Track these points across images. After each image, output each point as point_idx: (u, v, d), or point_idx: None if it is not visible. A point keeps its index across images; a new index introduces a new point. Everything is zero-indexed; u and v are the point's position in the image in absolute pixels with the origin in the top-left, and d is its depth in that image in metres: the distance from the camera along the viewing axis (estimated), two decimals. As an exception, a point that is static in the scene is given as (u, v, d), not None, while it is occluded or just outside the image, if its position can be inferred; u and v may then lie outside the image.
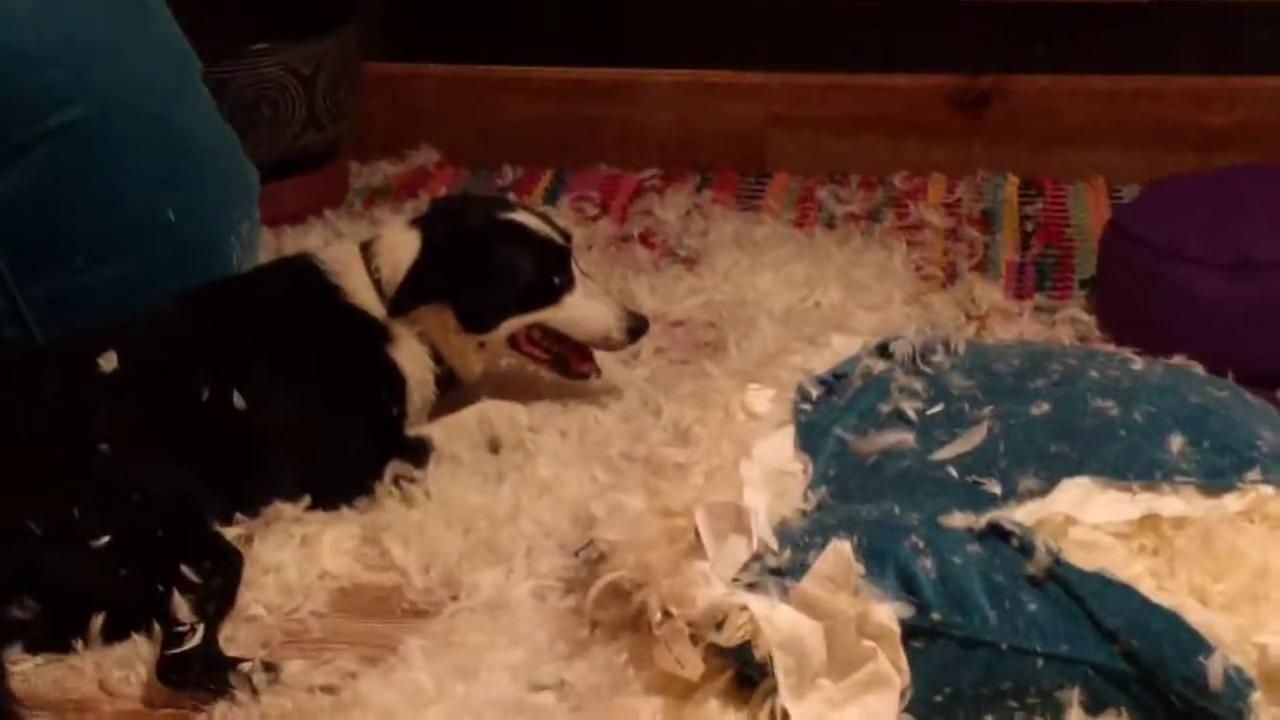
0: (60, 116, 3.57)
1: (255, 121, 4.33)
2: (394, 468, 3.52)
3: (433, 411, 3.72)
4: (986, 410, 3.24)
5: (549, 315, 3.67)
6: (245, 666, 3.03)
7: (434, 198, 4.21)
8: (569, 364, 3.72)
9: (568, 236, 3.79)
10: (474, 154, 4.73)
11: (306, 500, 3.45)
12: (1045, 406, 3.23)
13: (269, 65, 4.38)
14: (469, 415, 3.68)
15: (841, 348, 3.52)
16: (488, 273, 3.69)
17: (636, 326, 3.68)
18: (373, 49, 4.64)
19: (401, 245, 3.69)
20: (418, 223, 3.80)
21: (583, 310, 3.67)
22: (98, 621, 3.13)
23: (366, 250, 3.72)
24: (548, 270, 3.66)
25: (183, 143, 3.85)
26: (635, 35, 4.72)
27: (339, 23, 4.51)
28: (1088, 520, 2.99)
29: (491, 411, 3.68)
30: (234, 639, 3.15)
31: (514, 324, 3.68)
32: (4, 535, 3.15)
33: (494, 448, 3.64)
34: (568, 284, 3.67)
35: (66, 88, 3.59)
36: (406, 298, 3.63)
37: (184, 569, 3.13)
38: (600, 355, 3.86)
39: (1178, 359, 3.51)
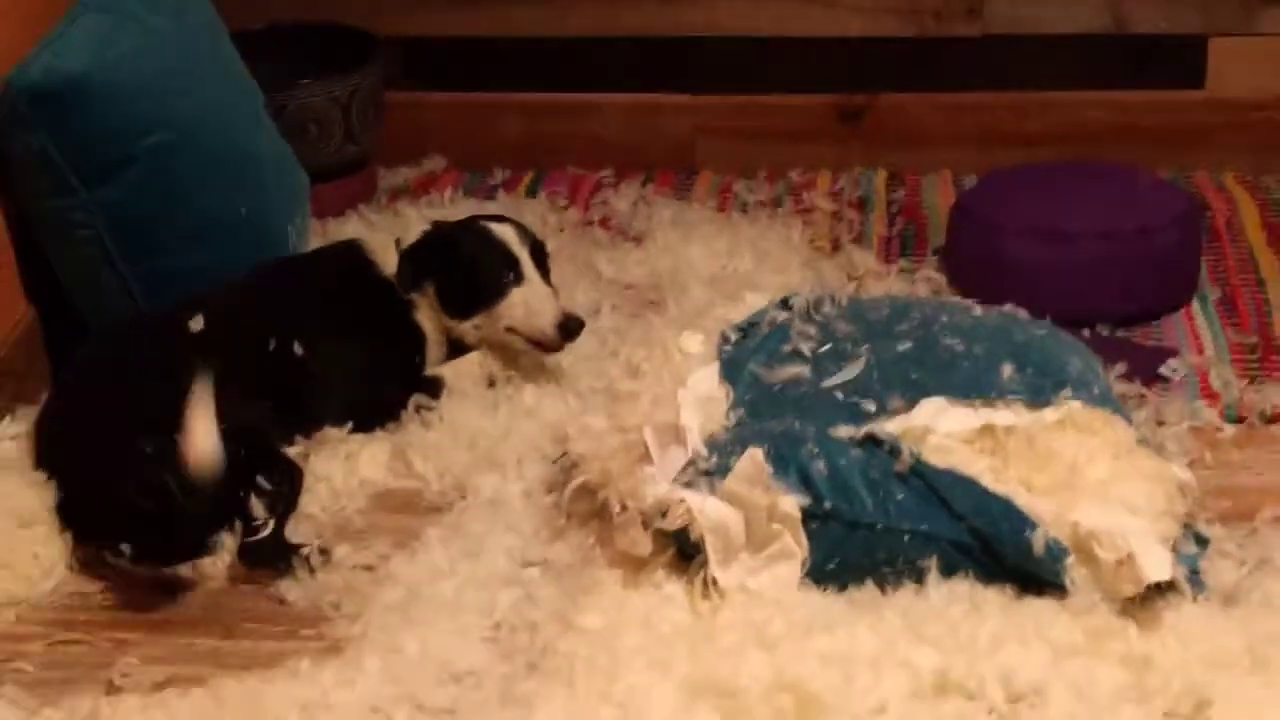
0: (153, 139, 3.70)
1: (304, 138, 4.38)
2: (415, 400, 3.71)
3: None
4: (863, 348, 3.49)
5: (501, 308, 3.77)
6: (304, 550, 3.31)
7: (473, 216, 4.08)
8: (534, 341, 3.79)
9: (540, 245, 3.87)
10: (471, 161, 4.81)
11: (349, 426, 3.65)
12: (908, 344, 3.49)
13: (314, 95, 4.44)
14: (472, 359, 3.83)
15: (754, 302, 3.71)
16: (455, 262, 3.79)
17: (571, 326, 3.75)
18: (393, 80, 4.66)
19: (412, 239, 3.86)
20: (431, 224, 3.95)
21: (528, 303, 3.75)
22: (191, 519, 3.26)
23: (399, 242, 3.87)
24: (502, 266, 3.75)
25: (249, 156, 4.01)
26: (594, 69, 4.77)
27: (367, 61, 4.54)
28: (941, 430, 3.26)
29: (488, 357, 3.83)
30: (296, 530, 3.39)
31: (478, 319, 3.79)
32: (126, 457, 3.31)
33: (490, 383, 3.80)
34: (518, 280, 3.75)
35: (153, 117, 3.71)
36: (403, 278, 3.80)
37: (258, 479, 3.37)
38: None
39: (1007, 307, 3.71)
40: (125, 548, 3.26)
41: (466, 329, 3.82)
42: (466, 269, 3.79)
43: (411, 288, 3.81)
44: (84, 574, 3.30)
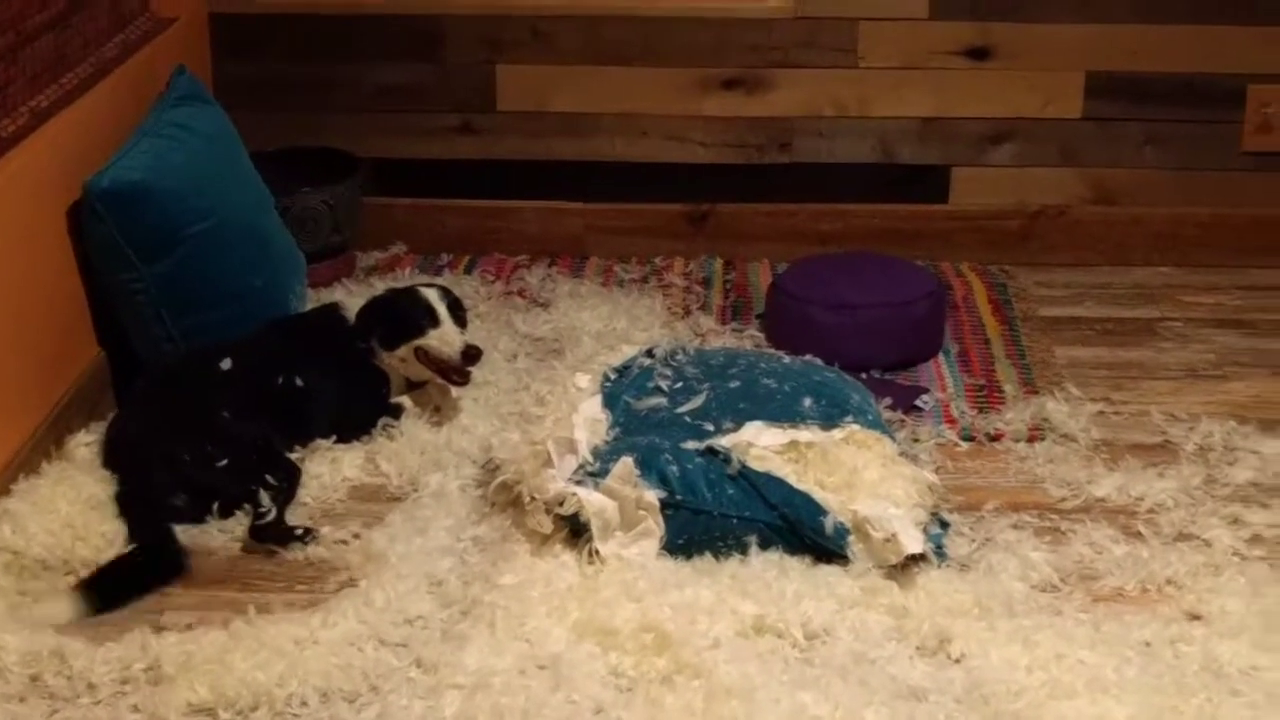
0: (193, 229, 3.68)
1: (303, 230, 4.30)
2: (383, 420, 3.65)
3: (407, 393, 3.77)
4: (705, 386, 3.48)
5: (421, 341, 3.64)
6: (298, 531, 3.27)
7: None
8: (448, 375, 3.67)
9: (457, 302, 3.75)
10: (425, 247, 4.70)
11: (334, 438, 3.60)
12: (737, 383, 3.48)
13: (311, 199, 4.38)
14: (425, 391, 3.76)
15: (627, 352, 3.68)
16: (390, 311, 3.71)
17: (473, 353, 3.62)
18: (368, 189, 4.59)
19: None
20: (386, 290, 3.92)
21: (441, 338, 3.64)
22: (217, 507, 3.34)
23: None
24: (421, 315, 3.64)
25: (264, 241, 3.97)
26: (516, 183, 4.69)
27: (348, 175, 4.48)
28: (760, 444, 3.26)
29: (434, 390, 3.75)
30: (293, 515, 3.34)
31: (404, 350, 3.67)
32: (170, 461, 3.33)
33: (436, 409, 3.73)
34: (435, 324, 3.64)
35: (197, 211, 3.69)
36: (359, 331, 3.71)
37: (266, 477, 3.33)
38: (496, 361, 3.95)
39: (807, 356, 3.75)
40: (179, 500, 3.30)
41: (395, 361, 3.70)
42: (398, 315, 3.69)
43: (362, 335, 3.72)
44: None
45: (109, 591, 3.05)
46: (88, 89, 3.78)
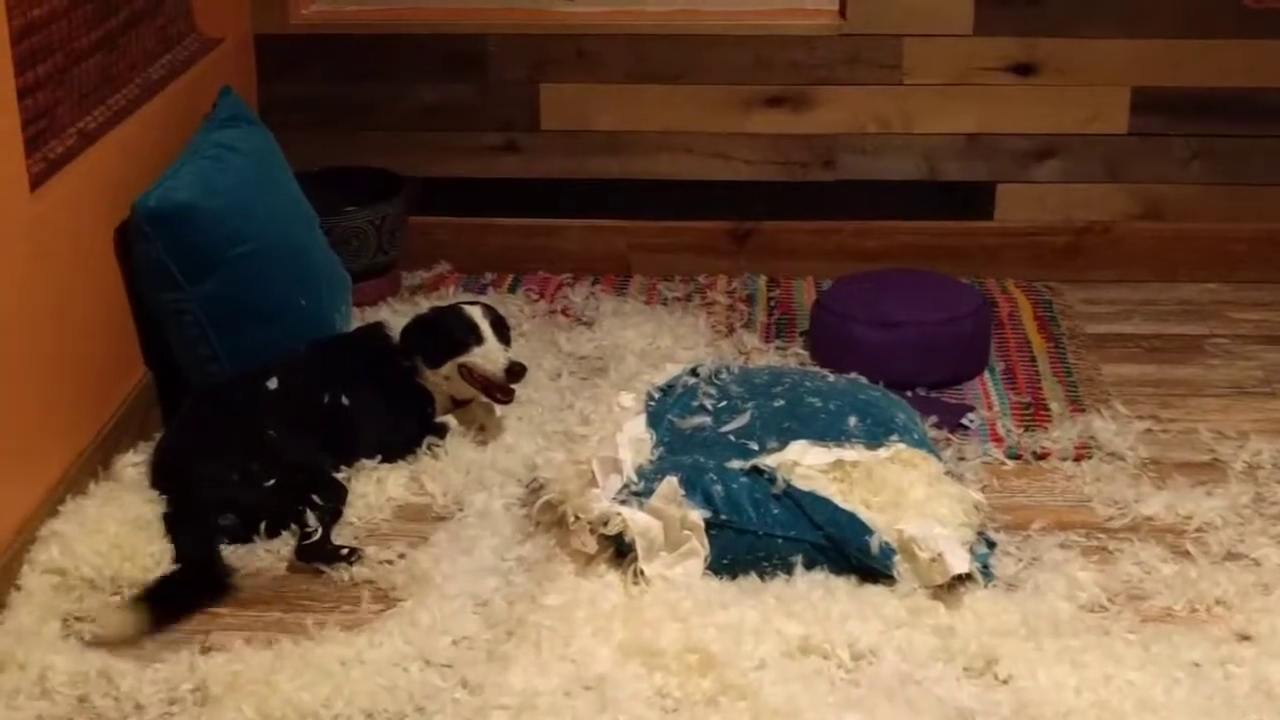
0: (239, 249, 3.69)
1: (348, 249, 4.33)
2: (428, 440, 3.65)
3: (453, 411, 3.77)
4: (749, 404, 3.46)
5: (466, 359, 3.65)
6: (344, 551, 3.27)
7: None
8: (492, 393, 3.68)
9: (501, 320, 3.75)
10: (469, 266, 4.71)
11: (379, 458, 3.60)
12: (782, 402, 3.46)
13: (357, 218, 4.39)
14: (467, 411, 3.76)
15: (671, 370, 3.67)
16: (434, 329, 3.71)
17: (516, 369, 3.63)
18: (413, 208, 4.58)
19: None
20: (430, 309, 3.93)
21: (485, 355, 3.64)
22: (263, 527, 3.34)
23: None
24: (465, 333, 3.65)
25: (307, 261, 3.97)
26: (560, 202, 4.69)
27: (394, 194, 4.48)
28: (805, 463, 3.24)
29: (478, 409, 3.76)
30: (339, 535, 3.34)
31: (448, 367, 3.68)
32: (217, 481, 3.34)
33: (481, 428, 3.73)
34: (479, 341, 3.64)
35: (242, 231, 3.70)
36: (403, 349, 3.73)
37: (313, 497, 3.33)
38: (540, 380, 3.95)
39: (852, 374, 3.72)
40: (227, 519, 3.31)
41: (439, 379, 3.71)
42: (442, 333, 3.70)
43: (406, 354, 3.73)
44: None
45: (162, 608, 3.06)
46: (135, 110, 3.81)
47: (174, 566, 3.19)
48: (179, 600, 3.10)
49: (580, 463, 3.29)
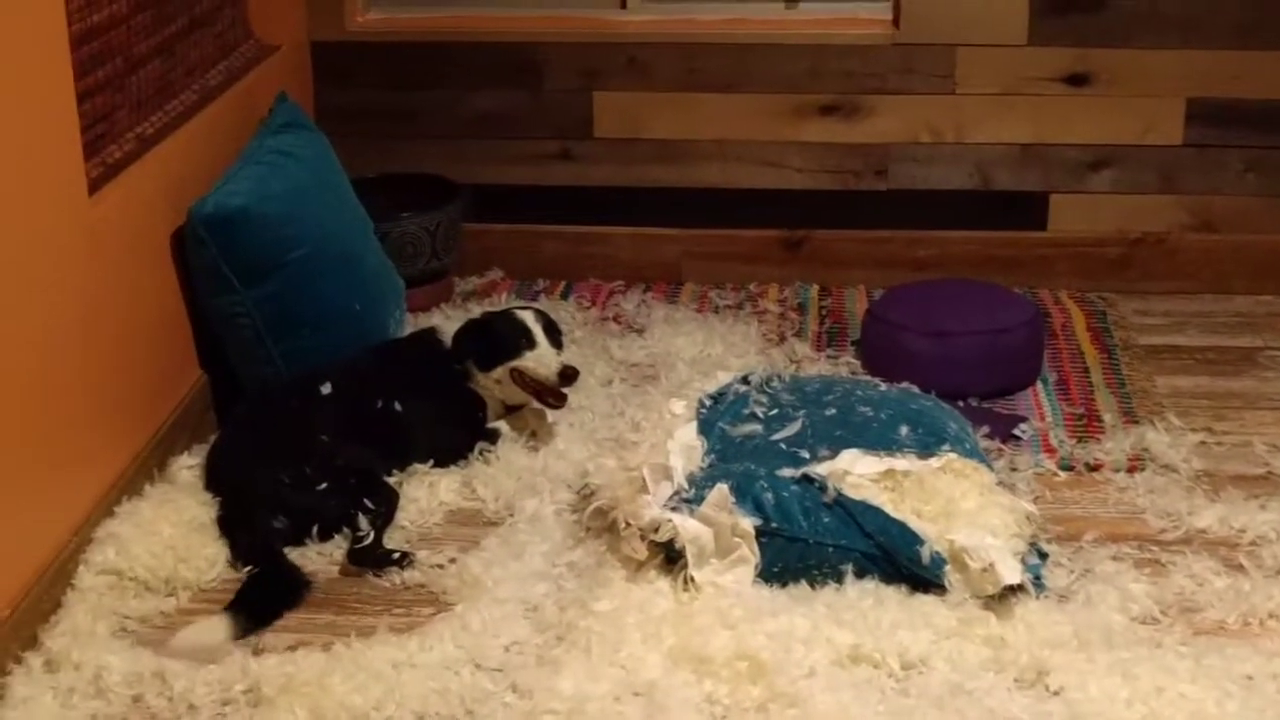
0: (294, 254, 3.71)
1: (403, 255, 4.33)
2: (479, 445, 3.67)
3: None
4: (801, 413, 3.47)
5: (518, 362, 3.66)
6: (396, 555, 3.29)
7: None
8: (544, 397, 3.69)
9: (553, 324, 3.76)
10: (521, 273, 4.75)
11: (431, 463, 3.61)
12: (833, 410, 3.48)
13: (411, 225, 4.41)
14: (519, 416, 3.78)
15: (723, 378, 3.68)
16: (487, 333, 3.72)
17: (569, 373, 3.63)
18: (468, 215, 4.61)
19: None
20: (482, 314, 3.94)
21: (538, 359, 3.65)
22: (316, 530, 3.35)
23: None
24: (518, 337, 3.67)
25: (362, 267, 4.00)
26: (611, 209, 4.71)
27: (448, 202, 4.50)
28: (856, 472, 3.26)
29: (529, 415, 3.78)
30: (390, 539, 3.36)
31: (500, 371, 3.69)
32: (271, 484, 3.36)
33: (533, 434, 3.75)
34: (531, 345, 3.65)
35: (298, 236, 3.72)
36: (456, 353, 3.73)
37: (365, 500, 3.35)
38: (592, 387, 3.97)
39: (904, 384, 3.70)
40: (280, 522, 3.31)
41: (491, 383, 3.72)
42: (494, 337, 3.71)
43: (458, 358, 3.74)
44: (235, 568, 3.28)
45: (257, 612, 3.09)
46: (192, 115, 3.85)
47: (247, 573, 3.21)
48: (266, 606, 3.12)
49: (631, 469, 3.30)
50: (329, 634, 3.04)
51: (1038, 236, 4.69)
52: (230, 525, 3.32)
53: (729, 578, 3.13)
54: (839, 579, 3.12)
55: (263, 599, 3.12)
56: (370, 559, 3.29)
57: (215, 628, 3.02)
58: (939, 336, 4.01)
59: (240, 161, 3.81)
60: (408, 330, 4.15)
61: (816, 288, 4.70)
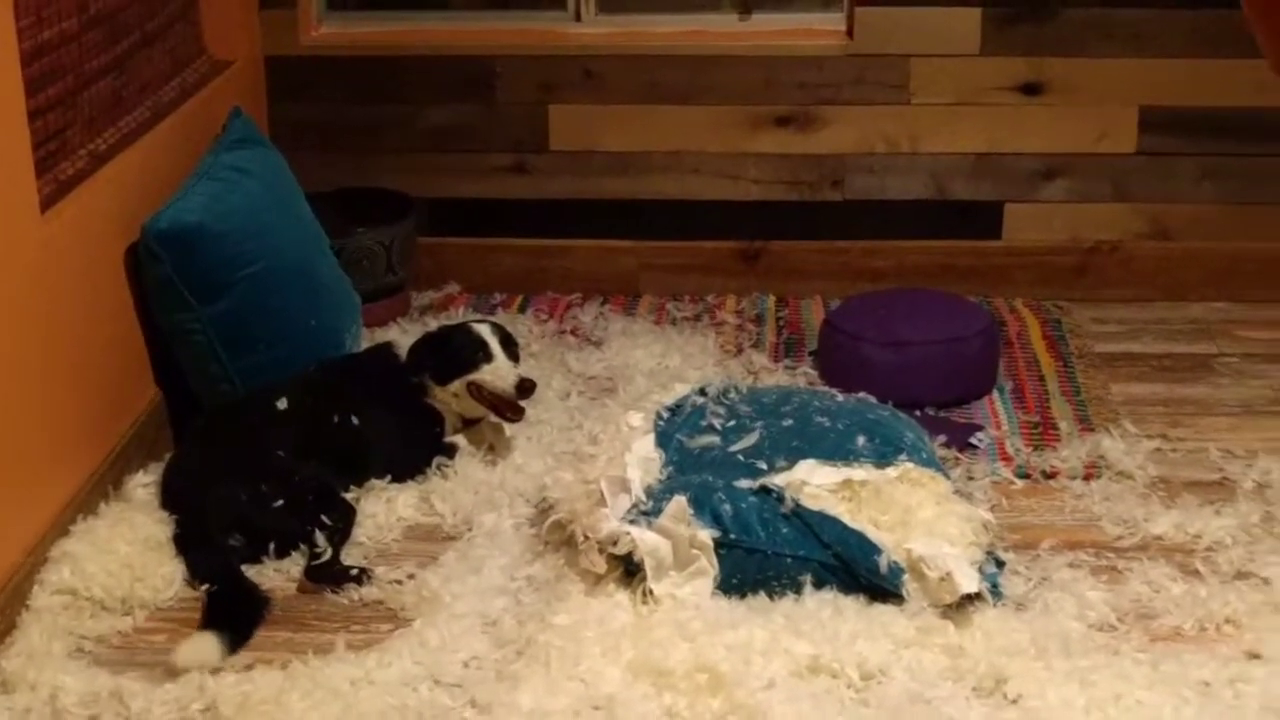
0: (249, 270, 3.70)
1: (358, 270, 4.33)
2: (437, 460, 3.66)
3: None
4: (758, 424, 3.49)
5: (475, 376, 3.66)
6: (354, 571, 3.28)
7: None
8: (502, 411, 3.68)
9: (510, 337, 3.77)
10: (478, 287, 4.73)
11: (389, 478, 3.60)
12: (790, 421, 3.49)
13: (366, 239, 4.41)
14: (476, 430, 3.77)
15: (680, 390, 3.68)
16: (444, 347, 3.72)
17: (525, 386, 3.64)
18: (423, 229, 4.62)
19: None
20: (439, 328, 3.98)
21: (495, 371, 3.65)
22: (273, 547, 3.34)
23: None
24: (474, 350, 3.66)
25: (317, 282, 3.99)
26: (568, 223, 4.71)
27: (403, 216, 4.52)
28: (813, 482, 3.26)
29: (487, 429, 3.77)
30: (348, 555, 3.35)
31: (457, 385, 3.68)
32: (227, 501, 3.34)
33: (491, 448, 3.74)
34: (488, 359, 3.65)
35: (252, 252, 3.71)
36: (412, 367, 3.72)
37: (322, 517, 3.34)
38: (549, 400, 3.97)
39: (860, 394, 3.73)
40: (236, 540, 3.30)
41: (448, 396, 3.71)
42: (451, 351, 3.71)
43: (415, 372, 3.73)
44: (193, 586, 3.26)
45: (240, 627, 3.08)
46: (145, 132, 3.83)
47: (205, 591, 3.19)
48: (243, 622, 3.11)
49: (589, 482, 3.30)
50: (286, 651, 3.02)
51: (993, 245, 4.70)
52: (186, 543, 3.31)
53: (688, 590, 3.13)
54: (797, 590, 3.12)
55: (238, 613, 3.11)
56: (328, 576, 3.27)
57: (210, 648, 3.01)
58: (896, 346, 4.03)
59: (194, 177, 3.80)
60: (364, 346, 4.15)
61: (774, 299, 4.72)
